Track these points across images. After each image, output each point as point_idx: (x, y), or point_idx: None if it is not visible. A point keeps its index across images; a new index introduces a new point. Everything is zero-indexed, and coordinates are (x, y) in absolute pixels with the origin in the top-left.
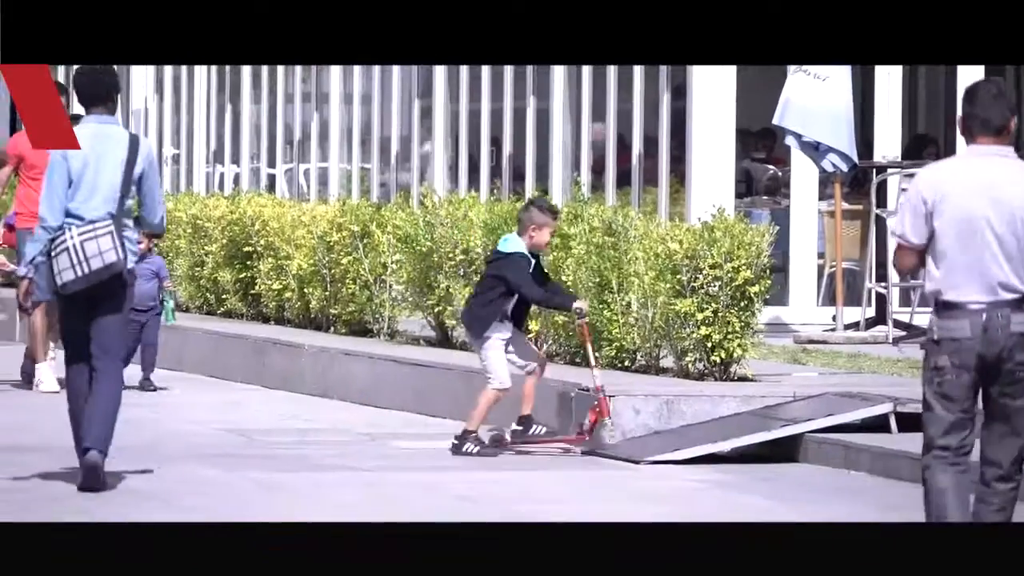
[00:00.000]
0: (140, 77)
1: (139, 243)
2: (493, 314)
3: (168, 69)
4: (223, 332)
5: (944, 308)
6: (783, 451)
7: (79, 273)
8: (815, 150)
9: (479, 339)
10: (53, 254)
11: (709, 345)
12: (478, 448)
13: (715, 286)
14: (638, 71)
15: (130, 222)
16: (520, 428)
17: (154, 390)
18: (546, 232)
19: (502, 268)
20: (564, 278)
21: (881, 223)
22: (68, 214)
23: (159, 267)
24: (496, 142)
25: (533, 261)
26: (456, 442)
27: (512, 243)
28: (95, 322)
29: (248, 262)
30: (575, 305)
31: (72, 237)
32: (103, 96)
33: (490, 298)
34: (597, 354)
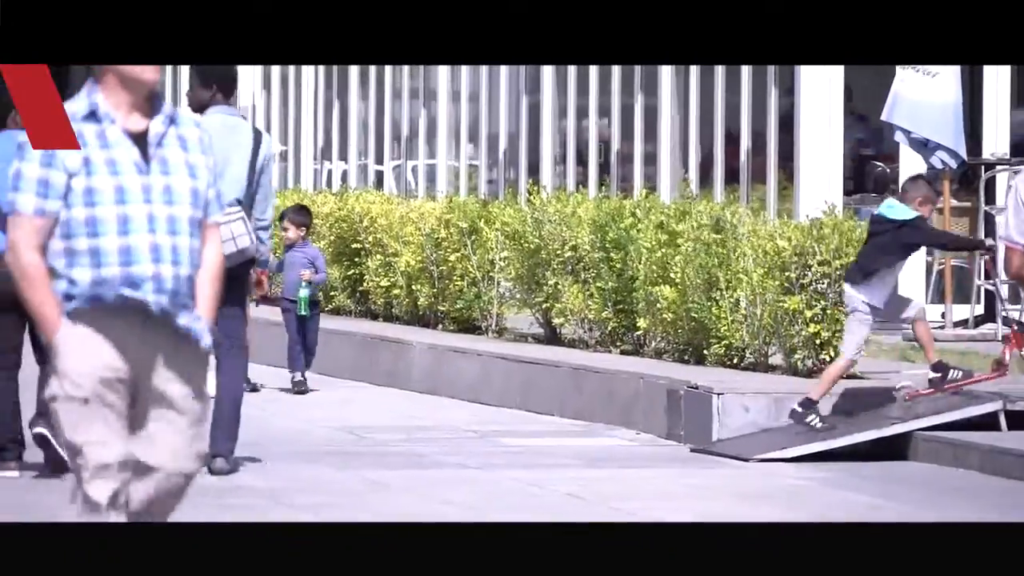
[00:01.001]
0: (248, 73)
1: (285, 231)
2: (892, 281)
3: (276, 65)
4: (332, 329)
5: None
6: (892, 449)
7: None
8: (924, 147)
9: (862, 310)
10: None
11: (818, 342)
12: (820, 422)
13: (824, 283)
14: (746, 67)
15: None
16: (938, 375)
17: (305, 392)
18: (927, 208)
19: (914, 236)
20: (672, 275)
21: (990, 220)
22: None
23: (314, 256)
24: (604, 138)
25: None
26: (799, 410)
27: (901, 209)
28: (219, 309)
29: (356, 259)
30: (988, 242)
31: None
32: (233, 88)
33: (891, 264)
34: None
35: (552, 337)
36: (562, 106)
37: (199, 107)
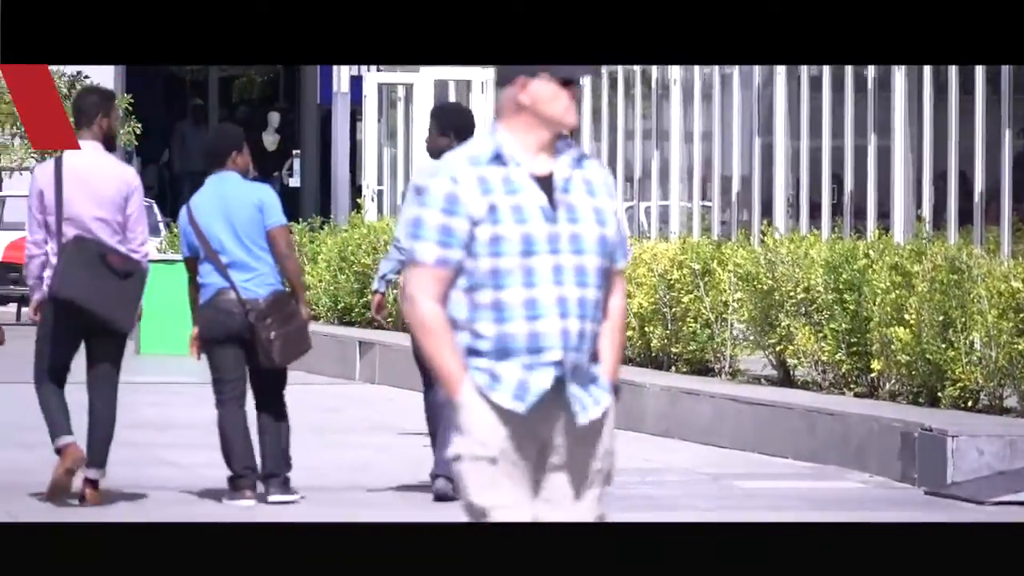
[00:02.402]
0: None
1: None
2: None
3: None
4: None
5: None
6: None
7: None
8: None
9: None
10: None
11: None
12: None
13: None
14: (979, 106)
15: None
16: None
17: None
18: None
19: None
20: (907, 316)
21: None
22: None
23: None
24: (837, 179)
25: None
26: None
27: None
28: None
29: None
30: None
31: None
32: (471, 135)
33: None
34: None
35: (785, 379)
36: (795, 148)
37: (437, 154)
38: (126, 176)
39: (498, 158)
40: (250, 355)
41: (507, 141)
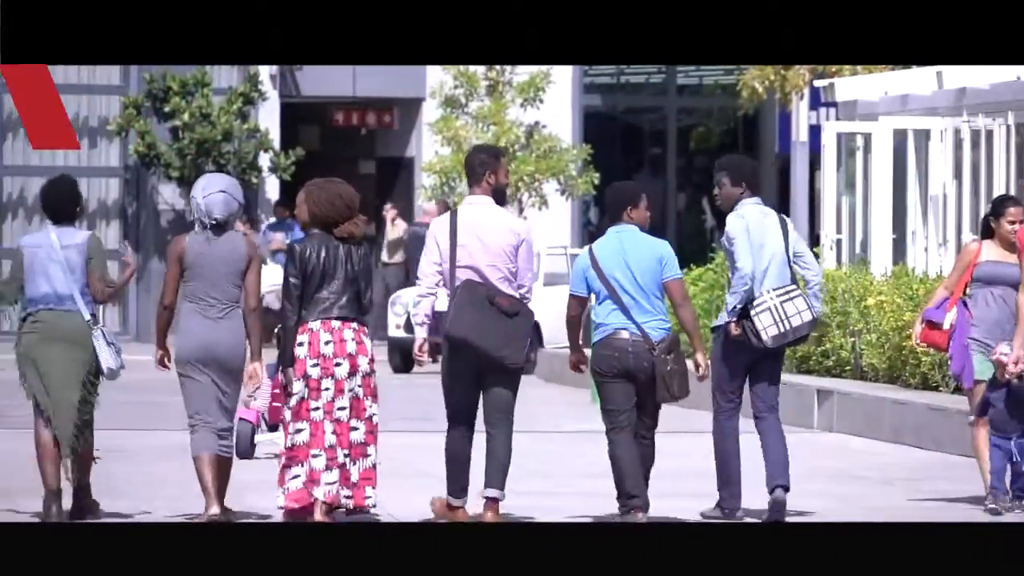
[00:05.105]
0: (939, 161)
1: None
2: None
3: (967, 151)
4: None
5: None
6: None
7: (781, 329)
8: None
9: None
10: (753, 313)
11: None
12: None
13: None
14: None
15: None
16: None
17: None
18: None
19: None
20: None
21: None
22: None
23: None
24: None
25: None
26: None
27: None
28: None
29: None
30: None
31: (772, 298)
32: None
33: None
34: None
35: None
36: None
37: (732, 204)
38: (515, 228)
39: None
40: (639, 389)
41: None
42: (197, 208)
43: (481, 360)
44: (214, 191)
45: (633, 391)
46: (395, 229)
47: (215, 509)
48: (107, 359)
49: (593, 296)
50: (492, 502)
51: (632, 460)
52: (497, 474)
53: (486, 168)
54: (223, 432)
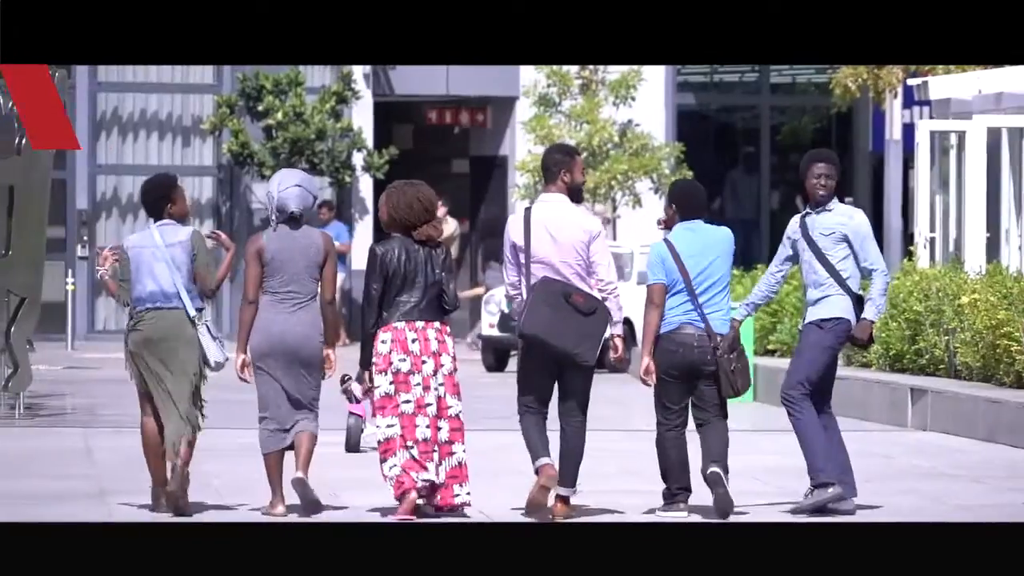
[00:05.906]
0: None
1: None
2: None
3: None
4: None
5: None
6: None
7: None
8: None
9: None
10: None
11: None
12: None
13: None
14: None
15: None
16: None
17: None
18: None
19: None
20: None
21: None
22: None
23: None
24: None
25: None
26: None
27: None
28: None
29: None
30: None
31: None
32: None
33: None
34: None
35: None
36: None
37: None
38: (587, 225)
39: None
40: (698, 383)
41: None
42: (273, 203)
43: (555, 358)
44: (289, 185)
45: (689, 389)
46: (447, 226)
47: (280, 508)
48: (213, 352)
49: None
50: (562, 500)
51: (680, 456)
52: (568, 472)
53: (561, 167)
54: (304, 417)
